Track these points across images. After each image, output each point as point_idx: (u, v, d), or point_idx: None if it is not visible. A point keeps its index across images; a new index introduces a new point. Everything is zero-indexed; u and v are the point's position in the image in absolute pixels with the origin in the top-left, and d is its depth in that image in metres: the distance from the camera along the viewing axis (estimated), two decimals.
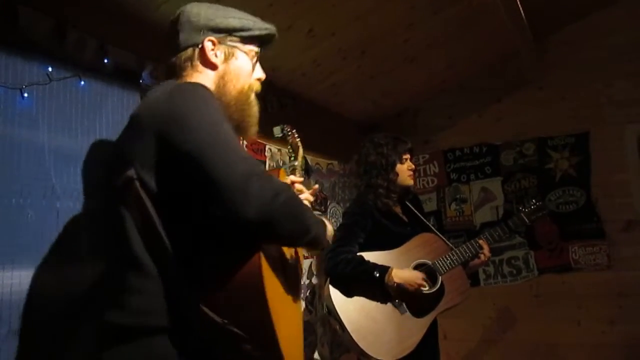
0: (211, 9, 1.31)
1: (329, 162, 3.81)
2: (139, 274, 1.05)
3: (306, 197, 1.45)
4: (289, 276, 1.31)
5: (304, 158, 1.76)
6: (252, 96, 1.34)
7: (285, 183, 1.11)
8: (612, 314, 3.42)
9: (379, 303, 2.21)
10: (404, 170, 2.47)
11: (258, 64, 1.36)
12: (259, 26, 1.34)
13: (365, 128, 4.13)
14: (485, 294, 3.83)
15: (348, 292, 2.22)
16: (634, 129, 3.50)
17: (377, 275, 2.17)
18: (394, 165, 2.45)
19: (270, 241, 1.13)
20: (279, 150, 3.08)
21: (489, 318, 3.81)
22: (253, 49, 1.34)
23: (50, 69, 1.68)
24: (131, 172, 1.06)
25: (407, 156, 2.50)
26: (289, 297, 1.29)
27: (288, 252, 1.37)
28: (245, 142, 2.54)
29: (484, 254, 2.45)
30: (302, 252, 1.49)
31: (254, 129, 1.33)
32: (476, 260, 2.46)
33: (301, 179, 1.53)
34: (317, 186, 1.57)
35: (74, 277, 1.25)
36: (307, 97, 3.31)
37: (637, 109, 3.47)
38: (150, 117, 1.09)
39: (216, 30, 1.29)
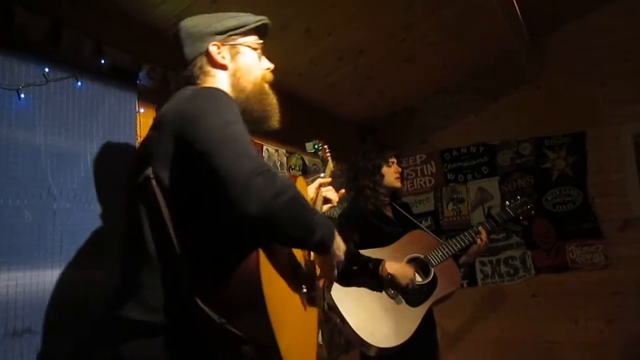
0: (204, 18, 1.38)
1: None
2: (151, 270, 1.09)
3: (331, 195, 1.65)
4: (301, 282, 1.29)
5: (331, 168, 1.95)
6: (266, 86, 1.40)
7: (291, 182, 1.13)
8: (610, 312, 3.44)
9: (375, 295, 2.34)
10: (391, 173, 2.63)
11: (263, 56, 1.42)
12: (253, 19, 1.41)
13: (363, 128, 4.13)
14: (483, 293, 3.84)
15: (345, 284, 2.33)
16: (630, 128, 3.51)
17: (371, 267, 2.30)
18: (380, 167, 2.62)
19: (275, 240, 1.14)
20: (276, 150, 3.07)
21: (487, 318, 3.82)
22: (255, 40, 1.41)
23: (46, 69, 1.67)
24: (149, 171, 1.11)
25: (394, 160, 2.67)
26: (298, 302, 1.25)
27: (302, 257, 1.36)
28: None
29: (481, 239, 2.54)
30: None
31: (275, 118, 1.40)
32: (473, 247, 2.55)
33: (329, 180, 1.73)
34: (343, 191, 1.74)
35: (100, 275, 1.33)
36: (304, 97, 3.30)
37: (634, 108, 3.49)
38: (170, 118, 1.15)
39: (217, 33, 1.35)
